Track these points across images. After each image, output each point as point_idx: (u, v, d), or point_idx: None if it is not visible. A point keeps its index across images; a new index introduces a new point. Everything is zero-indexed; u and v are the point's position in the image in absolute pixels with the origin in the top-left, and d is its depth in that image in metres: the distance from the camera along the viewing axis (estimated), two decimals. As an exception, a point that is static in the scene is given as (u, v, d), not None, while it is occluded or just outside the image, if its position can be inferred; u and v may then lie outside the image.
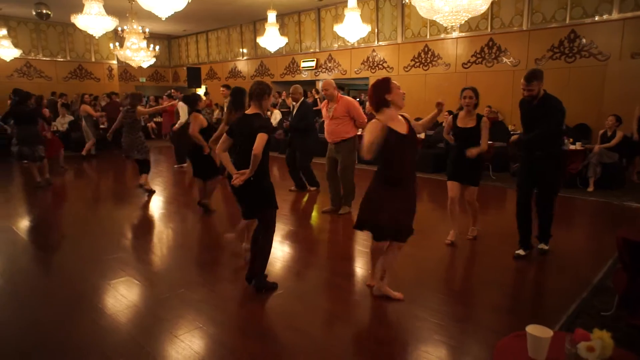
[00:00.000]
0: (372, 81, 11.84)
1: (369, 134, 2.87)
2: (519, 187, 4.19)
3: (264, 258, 3.40)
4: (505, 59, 9.57)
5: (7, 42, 12.83)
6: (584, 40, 8.54)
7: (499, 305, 3.27)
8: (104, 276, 3.73)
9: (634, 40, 7.98)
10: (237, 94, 4.33)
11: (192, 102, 5.81)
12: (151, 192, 6.85)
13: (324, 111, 5.61)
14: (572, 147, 7.04)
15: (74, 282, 3.64)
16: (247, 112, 3.32)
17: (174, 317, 3.03)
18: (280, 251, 4.40)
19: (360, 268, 4.05)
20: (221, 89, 7.74)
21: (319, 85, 13.90)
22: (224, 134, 3.35)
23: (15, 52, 13.15)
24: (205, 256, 4.38)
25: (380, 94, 2.97)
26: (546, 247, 4.23)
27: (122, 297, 3.33)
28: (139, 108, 6.69)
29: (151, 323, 2.98)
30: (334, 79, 13.63)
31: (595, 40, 8.40)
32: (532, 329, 1.51)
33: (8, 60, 13.38)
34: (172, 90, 10.63)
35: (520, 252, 4.18)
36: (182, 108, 9.14)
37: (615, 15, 8.12)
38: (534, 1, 9.05)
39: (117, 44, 12.23)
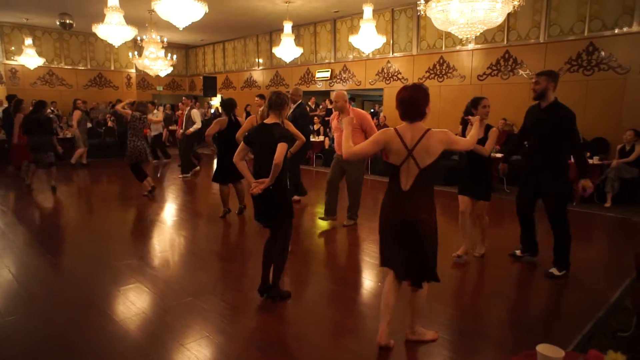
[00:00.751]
0: (386, 92, 11.91)
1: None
2: (518, 197, 4.28)
3: (282, 267, 3.40)
4: (521, 72, 9.48)
5: (32, 51, 13.21)
6: (602, 53, 8.41)
7: (511, 322, 3.20)
8: (114, 282, 3.76)
9: (655, 54, 7.84)
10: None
11: (228, 106, 5.89)
12: (152, 191, 7.10)
13: (334, 123, 5.59)
14: (590, 161, 6.90)
15: (85, 287, 3.67)
16: (266, 121, 3.33)
17: (181, 326, 3.03)
18: (292, 263, 4.37)
19: (368, 280, 4.00)
20: (256, 99, 7.88)
21: (333, 95, 13.96)
22: (242, 143, 3.34)
23: (39, 61, 13.52)
24: (215, 265, 4.39)
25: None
26: (557, 273, 3.90)
27: (131, 303, 3.35)
28: (149, 117, 6.94)
29: (158, 330, 2.99)
30: (348, 90, 13.71)
31: (615, 53, 8.27)
32: (542, 349, 1.47)
33: (32, 68, 13.76)
34: (184, 98, 10.65)
35: (517, 252, 4.37)
36: (196, 114, 9.24)
37: (635, 27, 7.98)
38: (552, 14, 8.96)
39: (136, 53, 12.50)
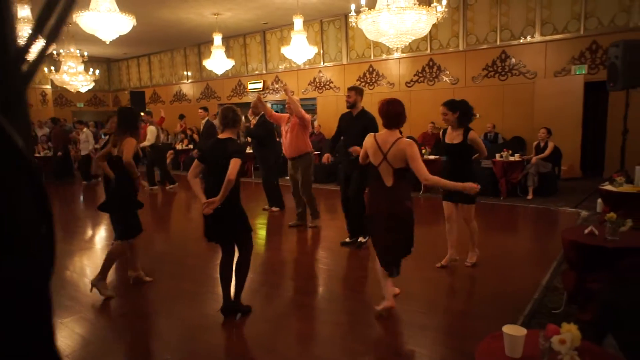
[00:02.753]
0: (320, 101, 12.15)
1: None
2: (342, 191, 5.14)
3: (243, 282, 3.33)
4: (445, 78, 10.15)
5: None
6: (513, 60, 9.27)
7: (462, 312, 3.41)
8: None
9: (555, 60, 8.79)
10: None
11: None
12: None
13: (284, 128, 5.75)
14: (511, 158, 7.54)
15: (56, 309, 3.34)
16: (220, 136, 3.25)
17: (138, 351, 2.87)
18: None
19: (322, 286, 4.05)
20: (199, 110, 7.73)
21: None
22: (195, 160, 3.27)
23: None
24: (169, 285, 4.19)
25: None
26: (364, 240, 4.91)
27: (76, 334, 3.11)
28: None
29: (104, 356, 2.80)
30: (281, 100, 13.79)
31: (523, 60, 9.15)
32: (508, 329, 1.60)
33: None
34: (143, 114, 10.03)
35: (347, 239, 5.06)
36: (152, 132, 8.96)
37: (538, 37, 8.91)
38: (468, 24, 9.73)
39: (52, 68, 11.63)
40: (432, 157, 7.99)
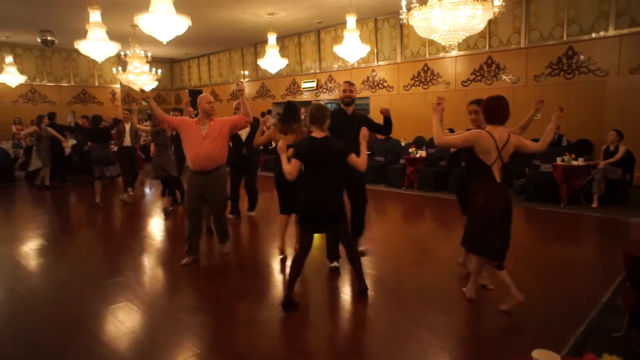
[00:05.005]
0: (372, 100, 11.99)
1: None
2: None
3: (360, 268, 3.64)
4: (504, 76, 9.63)
5: (13, 69, 13.04)
6: (582, 57, 8.59)
7: (504, 326, 3.19)
8: (102, 301, 3.67)
9: (632, 56, 8.02)
10: (290, 109, 4.61)
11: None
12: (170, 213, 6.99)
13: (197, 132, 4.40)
14: (574, 162, 7.00)
15: (73, 307, 3.57)
16: (315, 135, 3.36)
17: (172, 344, 2.96)
18: (282, 273, 4.33)
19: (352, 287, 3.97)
20: (267, 116, 7.78)
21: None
22: (294, 159, 3.32)
23: (21, 79, 13.35)
24: (205, 280, 4.31)
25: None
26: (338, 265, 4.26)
27: (119, 323, 3.27)
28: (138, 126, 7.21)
29: (148, 350, 2.91)
30: (334, 100, 13.77)
31: (593, 56, 8.45)
32: (538, 354, 1.45)
33: (13, 86, 13.56)
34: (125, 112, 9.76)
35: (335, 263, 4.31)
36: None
37: (611, 31, 8.18)
38: (531, 19, 9.15)
39: (120, 68, 12.40)
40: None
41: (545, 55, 9.01)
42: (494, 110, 3.17)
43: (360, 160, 3.42)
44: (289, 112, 4.59)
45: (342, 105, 4.48)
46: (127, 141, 8.31)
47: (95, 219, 7.20)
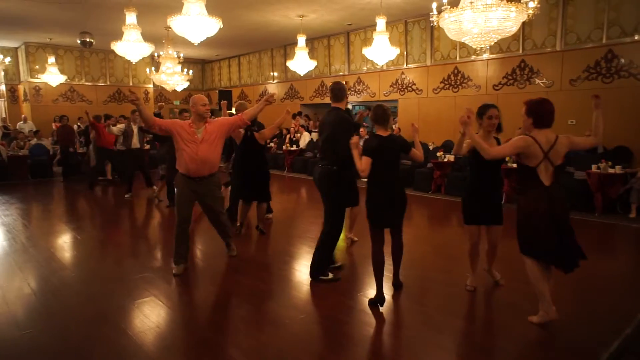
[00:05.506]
0: (401, 103, 11.87)
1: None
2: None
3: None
4: (537, 80, 9.34)
5: (55, 69, 13.65)
6: (622, 60, 8.24)
7: (530, 339, 3.08)
8: (129, 296, 3.77)
9: (678, 60, 7.64)
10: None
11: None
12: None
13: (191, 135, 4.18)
14: (610, 170, 6.72)
15: (101, 301, 3.69)
16: (380, 133, 3.56)
17: (195, 339, 3.01)
18: (307, 275, 4.34)
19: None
20: (297, 118, 7.42)
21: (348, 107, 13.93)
22: (364, 156, 3.46)
23: (61, 78, 13.96)
24: (230, 278, 4.37)
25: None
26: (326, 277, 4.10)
27: (145, 317, 3.35)
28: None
29: (171, 345, 2.97)
30: (363, 102, 13.71)
31: (635, 60, 8.09)
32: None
33: (54, 85, 14.19)
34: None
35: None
36: (119, 127, 8.87)
37: (655, 34, 7.82)
38: (568, 22, 8.85)
39: (153, 68, 12.74)
40: (514, 165, 7.36)
41: (583, 58, 8.69)
42: (542, 113, 3.12)
43: (419, 152, 3.64)
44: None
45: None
46: (135, 143, 8.38)
47: (131, 215, 7.41)
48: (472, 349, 2.93)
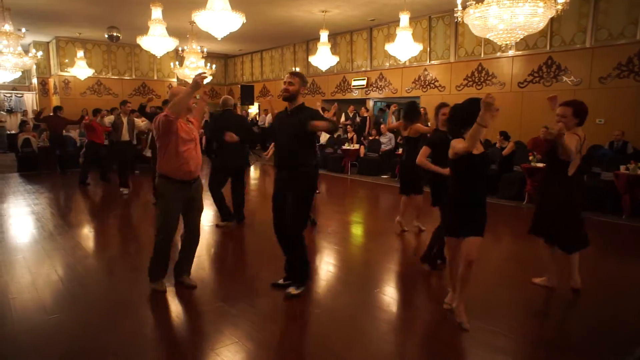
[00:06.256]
0: (423, 100, 11.74)
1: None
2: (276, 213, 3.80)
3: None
4: (565, 78, 9.09)
5: (83, 63, 14.05)
6: (656, 58, 7.95)
7: (550, 342, 3.03)
8: (149, 286, 3.86)
9: None
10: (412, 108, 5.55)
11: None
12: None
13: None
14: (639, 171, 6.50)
15: (122, 290, 3.80)
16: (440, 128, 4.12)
17: (212, 331, 3.07)
18: (326, 271, 4.36)
19: (393, 288, 3.91)
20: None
21: (369, 104, 13.89)
22: (426, 147, 4.07)
23: (89, 72, 14.34)
24: (245, 271, 4.43)
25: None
26: (296, 292, 3.60)
27: (163, 308, 3.43)
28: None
29: (189, 335, 3.04)
30: (384, 98, 13.62)
31: (670, 57, 7.79)
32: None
33: (83, 79, 14.60)
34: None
35: (280, 280, 3.80)
36: (109, 119, 8.80)
37: (692, 31, 7.50)
38: (599, 17, 8.57)
39: (177, 63, 12.94)
40: (540, 165, 7.18)
41: (614, 55, 8.41)
42: (585, 112, 3.63)
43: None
44: (411, 111, 5.50)
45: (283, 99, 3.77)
46: (125, 135, 8.19)
47: (149, 207, 7.57)
48: (494, 350, 2.89)
